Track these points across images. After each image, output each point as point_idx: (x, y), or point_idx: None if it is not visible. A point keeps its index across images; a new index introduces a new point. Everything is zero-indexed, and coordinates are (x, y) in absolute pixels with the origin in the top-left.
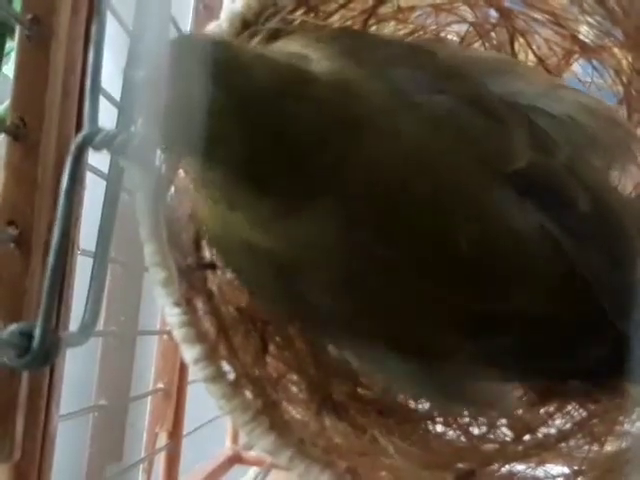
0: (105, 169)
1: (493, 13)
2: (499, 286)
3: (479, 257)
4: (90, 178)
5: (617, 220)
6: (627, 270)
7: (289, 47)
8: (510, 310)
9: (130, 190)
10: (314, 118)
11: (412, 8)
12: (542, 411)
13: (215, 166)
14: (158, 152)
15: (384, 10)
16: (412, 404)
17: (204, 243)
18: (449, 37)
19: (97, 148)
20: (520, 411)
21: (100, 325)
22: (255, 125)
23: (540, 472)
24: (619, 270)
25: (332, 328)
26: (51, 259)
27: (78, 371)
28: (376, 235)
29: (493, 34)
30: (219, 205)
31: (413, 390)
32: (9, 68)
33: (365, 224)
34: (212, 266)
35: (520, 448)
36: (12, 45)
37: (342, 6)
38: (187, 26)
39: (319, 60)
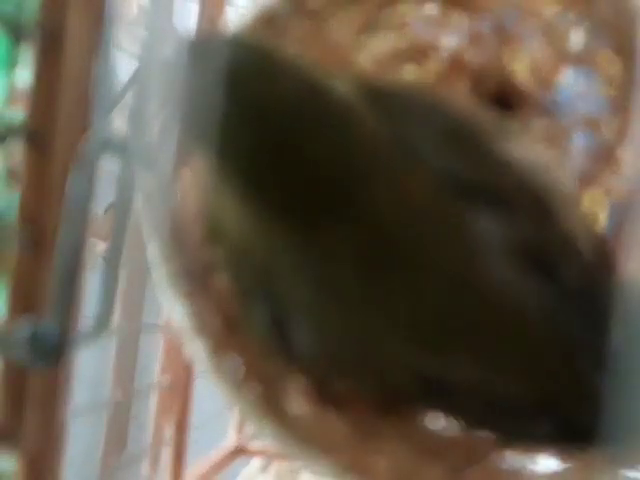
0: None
1: (485, 22)
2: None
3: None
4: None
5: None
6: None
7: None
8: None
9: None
10: (328, 140)
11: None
12: None
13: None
14: (164, 153)
15: (379, 19)
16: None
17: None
18: (442, 46)
19: (108, 152)
20: None
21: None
22: (272, 135)
23: (531, 463)
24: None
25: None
26: (64, 258)
27: (88, 366)
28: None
29: (485, 43)
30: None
31: None
32: (21, 74)
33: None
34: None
35: None
36: (23, 50)
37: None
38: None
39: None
